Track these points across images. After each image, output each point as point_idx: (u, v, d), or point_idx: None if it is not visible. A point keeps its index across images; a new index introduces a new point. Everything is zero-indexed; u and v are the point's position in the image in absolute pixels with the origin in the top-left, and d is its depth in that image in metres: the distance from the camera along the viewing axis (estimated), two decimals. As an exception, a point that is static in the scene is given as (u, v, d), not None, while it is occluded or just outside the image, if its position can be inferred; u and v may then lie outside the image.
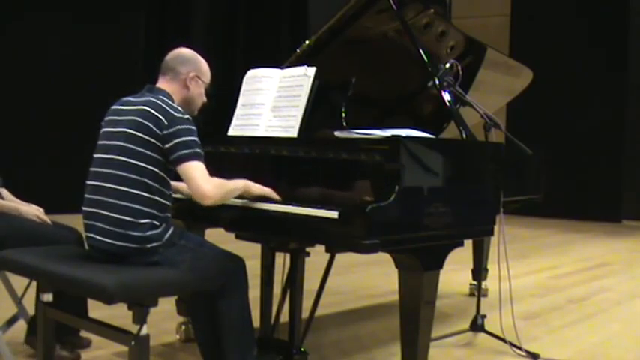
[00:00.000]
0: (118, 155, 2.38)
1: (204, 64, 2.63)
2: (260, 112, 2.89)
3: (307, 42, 3.12)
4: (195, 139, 2.38)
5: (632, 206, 9.94)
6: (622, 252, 7.40)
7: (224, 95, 3.12)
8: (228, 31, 9.98)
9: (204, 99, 2.64)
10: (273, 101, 2.87)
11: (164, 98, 2.43)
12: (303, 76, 2.82)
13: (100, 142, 2.48)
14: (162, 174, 2.39)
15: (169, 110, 2.37)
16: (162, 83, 2.55)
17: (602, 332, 3.97)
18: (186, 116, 2.41)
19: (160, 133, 2.34)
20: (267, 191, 2.54)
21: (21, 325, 3.09)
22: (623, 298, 4.94)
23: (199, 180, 2.33)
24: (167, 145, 2.34)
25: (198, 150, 2.37)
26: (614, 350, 3.60)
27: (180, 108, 2.43)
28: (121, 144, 2.38)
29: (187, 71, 2.55)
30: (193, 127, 2.40)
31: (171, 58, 2.59)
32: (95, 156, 2.48)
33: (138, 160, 2.36)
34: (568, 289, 5.21)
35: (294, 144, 2.68)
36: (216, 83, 3.08)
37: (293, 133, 2.71)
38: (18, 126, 7.42)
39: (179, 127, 2.35)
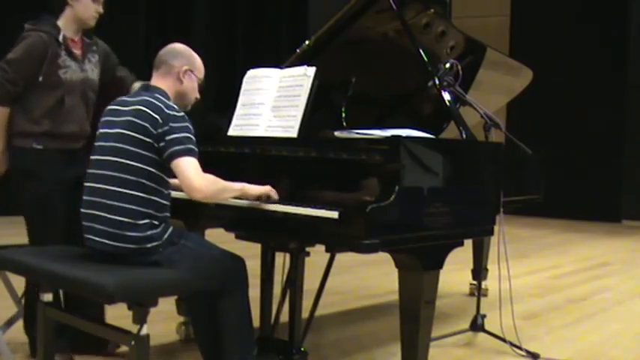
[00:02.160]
0: (114, 156, 2.38)
1: (197, 60, 2.61)
2: (260, 112, 2.89)
3: (307, 42, 3.12)
4: (189, 135, 2.37)
5: (632, 206, 9.94)
6: (622, 252, 7.39)
7: (224, 95, 3.12)
8: (228, 31, 9.98)
9: (197, 95, 2.63)
10: (273, 101, 2.87)
11: (159, 97, 2.42)
12: (303, 76, 2.82)
13: (97, 144, 2.48)
14: (160, 173, 2.39)
15: (164, 109, 2.37)
16: (156, 79, 2.54)
17: (602, 332, 3.97)
18: (181, 114, 2.40)
19: (155, 132, 2.34)
20: (264, 191, 2.51)
21: (21, 326, 3.08)
22: (623, 298, 4.94)
23: (190, 174, 2.32)
24: (161, 144, 2.34)
25: (191, 146, 2.36)
26: (614, 350, 3.60)
27: (175, 106, 2.42)
28: (117, 145, 2.38)
29: (180, 65, 2.54)
30: (187, 124, 2.39)
31: (164, 52, 2.59)
32: (92, 157, 2.47)
33: (133, 161, 2.35)
34: (568, 289, 5.20)
35: (294, 144, 2.68)
36: (216, 83, 3.08)
37: (293, 133, 2.71)
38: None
39: (172, 124, 2.35)
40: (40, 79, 2.83)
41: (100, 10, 2.99)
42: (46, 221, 2.91)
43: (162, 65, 2.54)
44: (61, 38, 2.88)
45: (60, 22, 2.93)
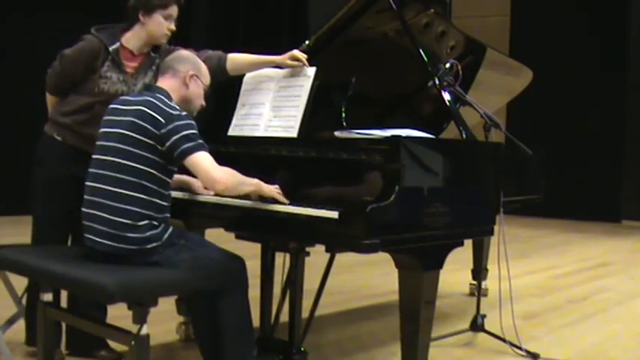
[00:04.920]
0: (115, 157, 2.38)
1: (203, 66, 2.62)
2: (260, 112, 2.89)
3: (307, 42, 3.12)
4: (196, 131, 2.38)
5: (632, 206, 9.93)
6: (622, 252, 7.39)
7: (224, 95, 3.12)
8: (228, 31, 9.98)
9: (203, 102, 2.63)
10: (273, 101, 2.87)
11: (161, 97, 2.42)
12: (303, 76, 2.83)
13: (98, 143, 2.48)
14: (160, 175, 2.39)
15: (166, 109, 2.37)
16: (161, 82, 2.55)
17: (602, 332, 3.97)
18: (184, 113, 2.40)
19: (157, 132, 2.34)
20: (275, 193, 2.50)
21: (21, 325, 3.09)
22: (623, 298, 4.94)
23: (209, 167, 2.34)
24: (167, 143, 2.34)
25: (201, 141, 2.37)
26: (614, 350, 3.60)
27: (177, 107, 2.42)
28: (117, 145, 2.38)
29: (186, 70, 2.54)
30: (192, 122, 2.39)
31: (170, 58, 2.60)
32: (93, 157, 2.47)
33: (134, 162, 2.35)
34: (568, 289, 5.20)
35: (294, 144, 2.68)
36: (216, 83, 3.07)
37: (293, 133, 2.71)
38: (17, 126, 7.42)
39: (177, 123, 2.35)
40: (81, 80, 2.89)
41: (172, 27, 2.94)
42: (48, 212, 2.94)
43: (169, 70, 2.55)
44: (112, 49, 2.87)
45: (127, 35, 2.92)
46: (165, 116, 2.35)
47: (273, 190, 2.50)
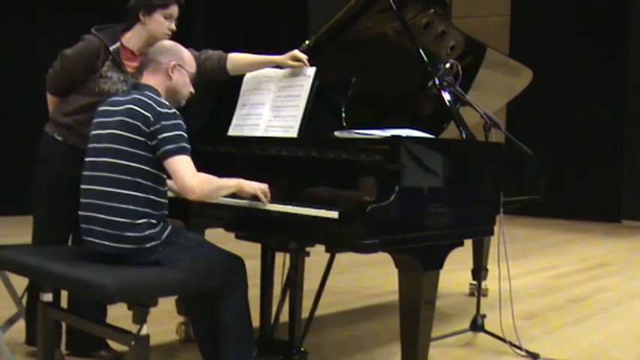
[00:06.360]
0: (108, 157, 2.37)
1: (185, 53, 2.60)
2: (260, 112, 2.89)
3: (307, 42, 3.12)
4: (182, 133, 2.36)
5: (632, 206, 9.94)
6: (622, 252, 7.39)
7: (224, 95, 3.12)
8: (228, 31, 9.98)
9: (191, 89, 2.61)
10: (273, 101, 2.87)
11: (150, 94, 2.41)
12: (303, 76, 2.83)
13: (90, 145, 2.47)
14: (155, 171, 2.38)
15: (155, 106, 2.35)
16: (146, 77, 2.53)
17: (602, 332, 3.97)
18: (172, 111, 2.39)
19: (147, 130, 2.33)
20: (259, 191, 2.49)
21: (21, 325, 3.09)
22: (623, 298, 4.94)
23: (185, 174, 2.32)
24: (154, 142, 2.33)
25: (184, 144, 2.36)
26: (614, 350, 3.60)
27: (166, 103, 2.41)
28: (110, 145, 2.37)
29: (168, 61, 2.52)
30: (179, 121, 2.38)
31: (152, 50, 2.58)
32: (86, 159, 2.47)
33: (128, 160, 2.35)
34: (568, 289, 5.21)
35: (294, 144, 2.68)
36: (217, 83, 3.06)
37: (293, 133, 2.71)
38: (18, 127, 7.42)
39: (164, 122, 2.34)
40: (81, 80, 2.89)
41: (173, 27, 2.93)
42: (48, 212, 2.94)
43: (151, 63, 2.53)
44: (112, 48, 2.88)
45: (127, 34, 2.92)
46: (155, 114, 2.34)
47: (255, 187, 2.48)
